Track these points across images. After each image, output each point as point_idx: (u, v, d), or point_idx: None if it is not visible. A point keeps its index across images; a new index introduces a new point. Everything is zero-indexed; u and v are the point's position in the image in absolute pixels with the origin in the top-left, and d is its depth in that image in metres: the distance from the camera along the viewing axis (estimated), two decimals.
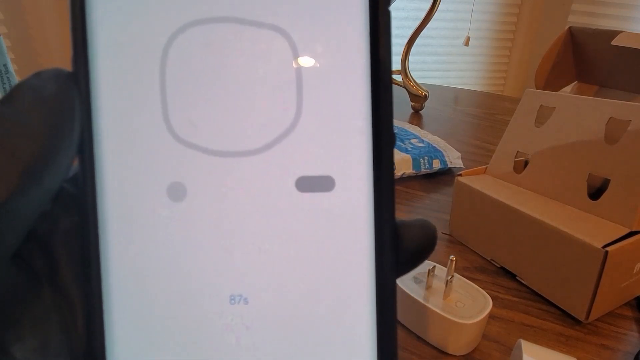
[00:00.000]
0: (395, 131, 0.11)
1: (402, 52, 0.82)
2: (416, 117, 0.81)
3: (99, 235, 0.11)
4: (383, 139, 0.11)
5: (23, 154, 0.09)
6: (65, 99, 0.10)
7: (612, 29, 0.49)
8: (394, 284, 0.11)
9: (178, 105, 0.11)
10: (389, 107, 0.11)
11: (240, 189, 0.11)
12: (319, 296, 0.11)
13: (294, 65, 0.11)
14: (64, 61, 1.37)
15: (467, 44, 0.94)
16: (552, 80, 0.56)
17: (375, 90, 0.11)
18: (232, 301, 0.11)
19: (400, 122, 0.69)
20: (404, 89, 0.83)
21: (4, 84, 0.50)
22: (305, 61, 0.11)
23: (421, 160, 0.55)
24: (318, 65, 0.11)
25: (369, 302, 0.11)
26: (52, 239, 0.11)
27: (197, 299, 0.11)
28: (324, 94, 0.11)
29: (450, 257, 0.31)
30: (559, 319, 0.34)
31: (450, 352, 0.30)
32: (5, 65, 0.50)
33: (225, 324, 0.11)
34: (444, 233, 0.45)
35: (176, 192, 0.11)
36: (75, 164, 0.11)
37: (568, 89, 0.57)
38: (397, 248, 0.11)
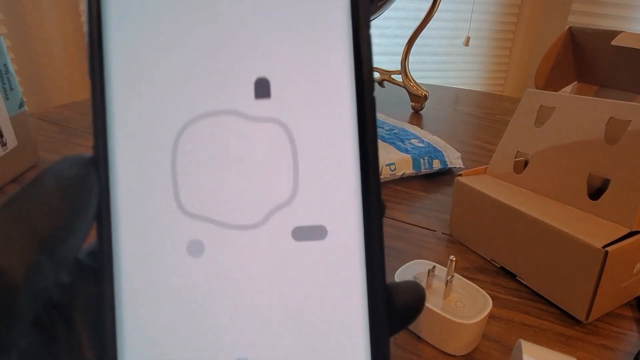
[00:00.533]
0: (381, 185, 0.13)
1: (402, 52, 0.82)
2: (416, 117, 0.81)
3: (115, 303, 0.12)
4: (372, 200, 0.12)
5: (41, 231, 0.11)
6: (83, 184, 0.11)
7: (612, 29, 0.49)
8: (388, 341, 0.12)
9: (187, 186, 0.12)
10: (375, 170, 0.12)
11: (244, 255, 0.12)
12: (315, 349, 0.12)
13: (290, 151, 0.12)
14: (64, 61, 1.36)
15: (467, 44, 0.94)
16: (552, 80, 0.56)
17: (363, 161, 0.12)
18: None
19: (400, 122, 0.69)
20: (404, 89, 0.83)
21: (3, 84, 0.50)
22: (300, 146, 0.12)
23: (421, 160, 0.55)
24: (311, 148, 0.12)
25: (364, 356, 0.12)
26: (71, 307, 0.12)
27: None
28: (317, 171, 0.12)
29: (450, 257, 0.31)
30: (559, 319, 0.34)
31: (450, 352, 0.30)
32: (5, 65, 0.50)
33: None
34: (444, 233, 0.45)
35: (186, 258, 0.12)
36: (93, 238, 0.13)
37: (568, 89, 0.57)
38: (389, 307, 0.12)
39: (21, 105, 0.53)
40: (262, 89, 0.12)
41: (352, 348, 0.12)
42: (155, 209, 0.12)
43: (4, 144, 0.50)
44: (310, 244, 0.12)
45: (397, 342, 0.32)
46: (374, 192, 0.12)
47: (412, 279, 0.33)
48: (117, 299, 0.12)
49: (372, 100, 0.12)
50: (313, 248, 0.12)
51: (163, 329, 0.12)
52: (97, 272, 0.12)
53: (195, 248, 0.12)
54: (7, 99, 0.50)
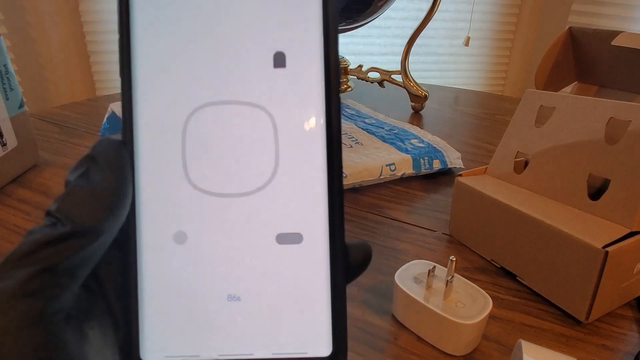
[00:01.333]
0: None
1: (402, 52, 0.82)
2: (416, 117, 0.81)
3: (137, 262, 0.15)
4: (335, 207, 0.16)
5: (105, 198, 0.14)
6: (122, 161, 0.15)
7: (612, 29, 0.49)
8: (344, 288, 0.16)
9: (195, 161, 0.15)
10: (340, 184, 0.16)
11: (237, 225, 0.16)
12: (290, 293, 0.16)
13: (273, 135, 0.16)
14: (63, 61, 1.36)
15: (467, 44, 0.94)
16: (552, 80, 0.56)
17: (330, 184, 0.16)
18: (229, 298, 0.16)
19: (400, 122, 0.69)
20: (404, 89, 0.83)
21: (3, 84, 0.50)
22: (282, 132, 0.16)
23: (421, 160, 0.55)
24: (291, 137, 0.16)
25: (326, 299, 0.16)
26: (99, 266, 0.15)
27: (205, 296, 0.15)
28: (296, 158, 0.16)
29: (451, 258, 0.31)
30: (559, 319, 0.34)
31: (450, 353, 0.30)
32: (5, 65, 0.50)
33: (224, 316, 0.15)
34: (444, 233, 0.45)
35: (189, 226, 0.16)
36: None
37: (568, 89, 0.57)
38: (347, 264, 0.16)
39: (21, 105, 0.53)
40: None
41: (318, 295, 0.16)
42: (170, 179, 0.15)
43: (4, 144, 0.50)
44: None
45: (398, 342, 0.32)
46: (338, 206, 0.16)
47: (412, 279, 0.33)
48: (139, 254, 0.15)
49: (339, 147, 0.16)
50: (291, 207, 0.16)
51: (175, 268, 0.15)
52: (123, 239, 0.15)
53: (202, 206, 0.15)
54: (7, 99, 0.50)
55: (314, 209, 0.16)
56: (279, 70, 0.15)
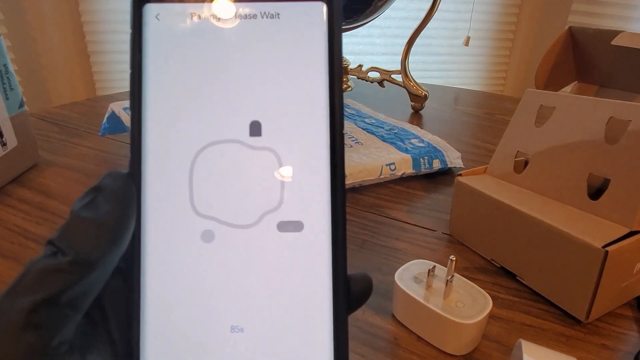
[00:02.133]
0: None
1: (402, 52, 0.82)
2: (416, 117, 0.81)
3: (141, 290, 0.16)
4: (338, 203, 0.16)
5: (108, 229, 0.14)
6: (128, 193, 0.15)
7: (612, 28, 0.49)
8: (346, 318, 0.16)
9: (201, 193, 0.16)
10: (342, 181, 0.16)
11: (239, 246, 0.16)
12: (290, 320, 0.16)
13: (278, 170, 0.16)
14: (64, 61, 1.36)
15: (467, 44, 0.94)
16: (552, 80, 0.56)
17: (333, 176, 0.16)
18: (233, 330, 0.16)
19: (400, 122, 0.69)
20: (404, 89, 0.83)
21: (4, 84, 0.50)
22: (285, 167, 0.16)
23: (421, 160, 0.55)
24: (294, 168, 0.16)
25: (328, 330, 0.16)
26: (102, 296, 0.15)
27: (208, 327, 0.16)
28: (298, 184, 0.16)
29: (451, 257, 0.31)
30: (559, 319, 0.34)
31: (450, 352, 0.30)
32: (5, 65, 0.50)
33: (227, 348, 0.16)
34: (444, 233, 0.45)
35: (198, 247, 0.16)
36: None
37: (568, 88, 0.57)
38: (349, 294, 0.16)
39: (21, 105, 0.53)
40: (256, 129, 0.16)
41: (319, 319, 0.16)
42: (175, 210, 0.16)
43: (4, 144, 0.50)
44: (291, 234, 0.16)
45: (397, 342, 0.32)
46: (341, 198, 0.16)
47: (412, 279, 0.33)
48: (142, 282, 0.16)
49: (342, 136, 0.16)
50: (292, 238, 0.16)
51: (178, 299, 0.16)
52: (129, 268, 0.16)
53: (207, 236, 0.16)
54: (7, 98, 0.50)
55: (316, 201, 0.16)
56: (289, 107, 0.16)
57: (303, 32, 0.16)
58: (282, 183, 0.16)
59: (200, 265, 0.16)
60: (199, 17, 0.16)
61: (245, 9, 0.16)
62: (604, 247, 0.30)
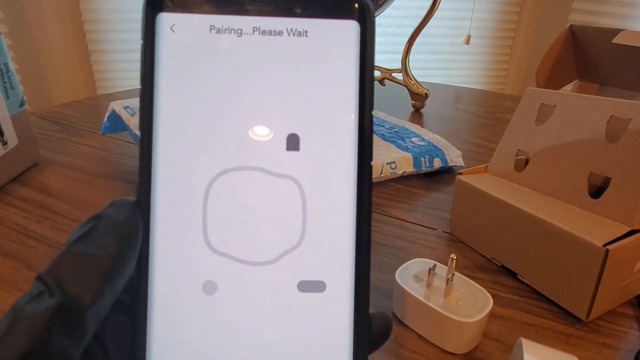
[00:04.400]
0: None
1: (402, 51, 0.82)
2: (417, 115, 0.81)
3: (147, 332, 0.14)
4: (363, 254, 0.15)
5: (102, 266, 0.13)
6: (132, 224, 0.14)
7: (613, 27, 0.49)
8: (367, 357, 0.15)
9: (216, 227, 0.15)
10: (368, 236, 0.15)
11: (257, 289, 0.15)
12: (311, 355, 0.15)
13: (301, 204, 0.15)
14: (64, 60, 1.36)
15: (467, 42, 0.94)
16: (553, 78, 0.56)
17: (358, 224, 0.15)
18: None
19: (401, 121, 0.69)
20: (405, 88, 0.83)
21: (4, 82, 0.50)
22: (310, 202, 0.15)
23: (422, 158, 0.55)
24: (318, 205, 0.15)
25: None
26: (104, 334, 0.14)
27: None
28: (321, 226, 0.15)
29: (451, 256, 0.31)
30: (560, 318, 0.34)
31: (450, 351, 0.31)
32: (6, 64, 0.50)
33: None
34: (444, 232, 0.45)
35: (209, 288, 0.15)
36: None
37: (569, 87, 0.57)
38: (370, 338, 0.15)
39: (22, 103, 0.53)
40: (293, 143, 0.15)
41: None
42: (187, 245, 0.15)
43: (5, 143, 0.50)
44: (312, 295, 0.15)
45: (398, 340, 0.32)
46: (366, 255, 0.15)
47: (413, 278, 0.33)
48: (149, 322, 0.14)
49: (369, 169, 0.15)
50: (313, 299, 0.15)
51: (186, 342, 0.14)
52: (134, 303, 0.14)
53: (218, 277, 0.15)
54: (7, 97, 0.50)
55: (339, 261, 0.15)
56: (314, 134, 0.15)
57: (333, 54, 0.15)
58: (304, 217, 0.15)
59: (214, 302, 0.15)
60: (219, 30, 0.15)
61: (270, 24, 0.15)
62: (604, 245, 0.30)
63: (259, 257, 0.15)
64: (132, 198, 0.15)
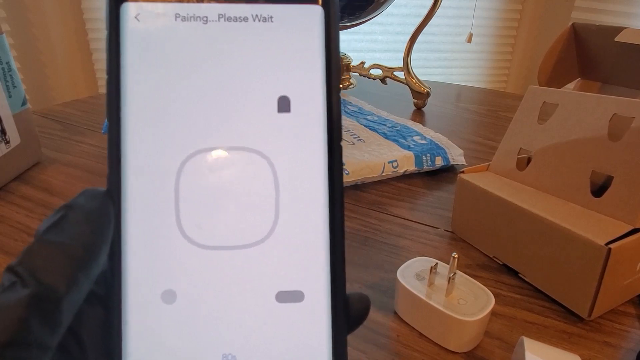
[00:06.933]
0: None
1: (404, 49, 0.81)
2: (418, 114, 0.80)
3: (122, 321, 0.14)
4: (337, 259, 0.15)
5: (75, 255, 0.13)
6: (103, 213, 0.14)
7: (615, 25, 0.49)
8: (345, 341, 0.15)
9: (188, 212, 0.15)
10: (341, 236, 0.15)
11: (233, 281, 0.15)
12: (290, 351, 0.15)
13: (274, 184, 0.15)
14: (66, 59, 1.37)
15: (469, 40, 0.93)
16: (555, 76, 0.56)
17: (332, 238, 0.15)
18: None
19: (402, 119, 0.69)
20: (407, 86, 0.83)
21: (6, 81, 0.50)
22: (283, 181, 0.15)
23: (423, 157, 0.55)
24: (292, 187, 0.15)
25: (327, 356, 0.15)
26: (80, 327, 0.14)
27: (197, 355, 0.14)
28: (297, 209, 0.15)
29: (453, 255, 0.31)
30: (562, 316, 0.34)
31: (452, 349, 0.31)
32: (8, 63, 0.50)
33: None
34: (446, 230, 0.45)
35: (182, 278, 0.15)
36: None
37: (571, 85, 0.57)
38: (348, 316, 0.15)
39: (24, 102, 0.53)
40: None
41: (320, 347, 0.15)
42: (159, 234, 0.14)
43: (7, 142, 0.50)
44: (290, 305, 0.15)
45: (399, 339, 0.32)
46: (340, 261, 0.15)
47: (415, 276, 0.33)
48: (124, 310, 0.14)
49: (340, 149, 0.15)
50: (292, 309, 0.15)
51: (164, 327, 0.14)
52: (108, 295, 0.14)
53: (196, 259, 0.15)
54: (10, 96, 0.50)
55: (315, 264, 0.15)
56: (282, 115, 0.15)
57: (298, 39, 0.15)
58: (277, 194, 0.15)
59: (189, 292, 0.14)
60: (184, 18, 0.15)
61: (235, 10, 0.15)
62: (606, 244, 0.30)
63: (234, 242, 0.15)
64: (102, 188, 0.14)
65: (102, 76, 1.44)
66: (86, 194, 0.14)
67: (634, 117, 0.33)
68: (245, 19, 0.15)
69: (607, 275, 0.31)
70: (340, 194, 0.15)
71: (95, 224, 0.13)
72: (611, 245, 0.30)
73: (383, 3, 0.72)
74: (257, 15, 0.15)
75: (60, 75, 1.38)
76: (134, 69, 0.15)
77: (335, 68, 0.15)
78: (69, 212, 0.13)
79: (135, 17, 0.14)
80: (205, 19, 0.15)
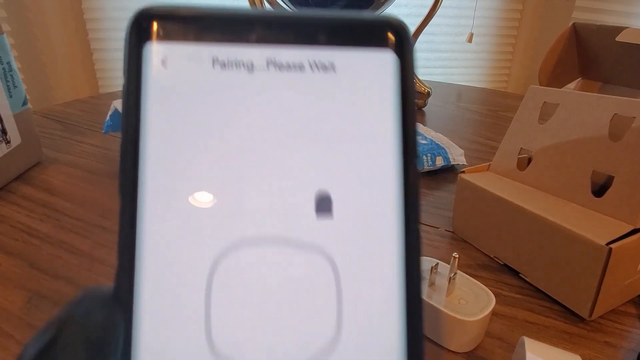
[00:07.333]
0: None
1: None
2: (419, 114, 0.80)
3: None
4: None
5: None
6: (109, 330, 0.10)
7: (616, 25, 0.49)
8: None
9: (222, 324, 0.11)
10: (421, 328, 0.12)
11: None
12: None
13: (336, 288, 0.11)
14: (67, 59, 1.37)
15: (470, 40, 0.93)
16: (556, 76, 0.56)
17: (409, 320, 0.12)
18: None
19: None
20: None
21: (7, 81, 0.50)
22: (347, 284, 0.11)
23: (424, 157, 0.55)
24: (359, 288, 0.11)
25: None
26: None
27: None
28: (363, 319, 0.11)
29: (453, 254, 0.31)
30: (562, 316, 0.34)
31: (453, 350, 0.30)
32: (8, 63, 0.50)
33: None
34: (446, 230, 0.45)
35: None
36: None
37: (572, 85, 0.57)
38: None
39: (24, 102, 0.53)
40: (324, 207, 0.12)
41: None
42: (185, 350, 0.11)
43: (8, 142, 0.50)
44: None
45: None
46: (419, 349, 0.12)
47: None
48: None
49: (419, 238, 0.12)
50: None
51: None
52: None
53: None
54: (10, 96, 0.50)
55: None
56: (346, 200, 0.12)
57: (365, 92, 0.12)
58: (340, 307, 0.11)
59: None
60: (224, 64, 0.12)
61: (288, 55, 0.12)
62: (607, 244, 0.30)
63: None
64: (107, 286, 0.11)
65: (102, 76, 1.44)
66: (86, 300, 0.11)
67: (634, 117, 0.33)
68: (301, 67, 0.12)
69: (608, 275, 0.31)
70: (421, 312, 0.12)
71: (97, 347, 0.11)
72: (612, 245, 0.30)
73: (383, 3, 0.72)
74: (315, 62, 0.12)
75: (60, 75, 1.38)
76: (158, 131, 0.11)
77: (412, 129, 0.12)
78: (63, 330, 0.10)
79: (162, 62, 0.11)
80: (250, 65, 0.12)
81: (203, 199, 0.11)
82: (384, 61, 0.12)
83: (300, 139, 0.12)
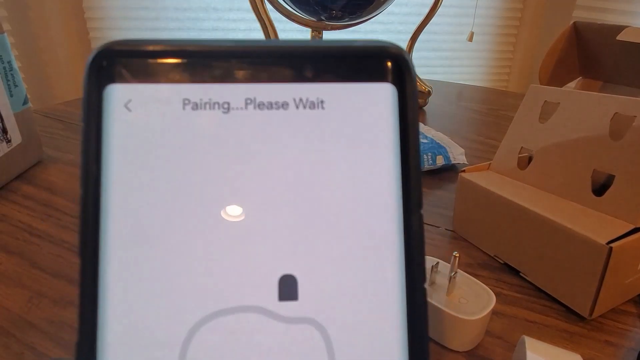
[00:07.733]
0: None
1: (405, 48, 0.81)
2: (420, 113, 0.80)
3: None
4: None
5: None
6: None
7: (617, 24, 0.49)
8: None
9: None
10: None
11: None
12: None
13: (328, 356, 0.10)
14: (67, 58, 1.37)
15: (470, 39, 0.93)
16: (556, 75, 0.56)
17: None
18: None
19: None
20: None
21: (8, 81, 0.50)
22: (340, 354, 0.10)
23: (425, 156, 0.55)
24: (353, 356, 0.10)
25: None
26: None
27: None
28: None
29: (454, 254, 0.31)
30: (563, 316, 0.34)
31: (453, 349, 0.31)
32: (9, 62, 0.50)
33: None
34: (447, 229, 0.45)
35: None
36: None
37: (573, 84, 0.57)
38: None
39: (25, 101, 0.53)
40: (288, 289, 0.10)
41: None
42: None
43: (9, 141, 0.50)
44: None
45: None
46: None
47: None
48: None
49: (424, 301, 0.10)
50: None
51: None
52: None
53: None
54: (11, 95, 0.50)
55: None
56: (341, 253, 0.10)
57: (360, 132, 0.10)
58: None
59: None
60: (196, 105, 0.10)
61: (269, 93, 0.10)
62: (608, 243, 0.30)
63: None
64: None
65: None
66: None
67: (635, 116, 0.33)
68: (285, 105, 0.10)
69: (608, 274, 0.31)
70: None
71: None
72: (612, 244, 0.30)
73: (384, 2, 0.72)
74: (301, 100, 0.10)
75: (61, 74, 1.39)
76: (121, 184, 0.10)
77: (415, 175, 0.11)
78: None
79: (126, 106, 0.10)
80: (226, 105, 0.10)
81: (176, 262, 0.10)
82: (382, 94, 0.11)
83: (286, 190, 0.10)
